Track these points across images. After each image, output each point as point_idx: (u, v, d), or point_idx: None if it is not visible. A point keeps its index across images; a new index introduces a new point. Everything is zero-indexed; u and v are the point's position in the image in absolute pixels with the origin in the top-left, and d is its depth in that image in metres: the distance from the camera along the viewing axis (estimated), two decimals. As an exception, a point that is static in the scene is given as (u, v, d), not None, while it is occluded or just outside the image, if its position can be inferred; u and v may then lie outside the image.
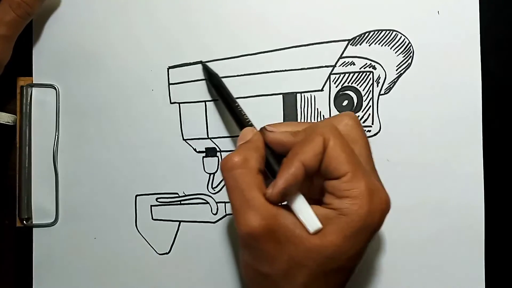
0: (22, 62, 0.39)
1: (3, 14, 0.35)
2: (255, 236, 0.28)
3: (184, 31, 0.38)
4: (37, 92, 0.39)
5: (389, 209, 0.29)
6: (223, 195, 0.38)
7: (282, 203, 0.30)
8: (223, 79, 0.38)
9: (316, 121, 0.38)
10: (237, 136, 0.38)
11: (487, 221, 0.37)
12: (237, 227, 0.29)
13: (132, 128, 0.39)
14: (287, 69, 0.38)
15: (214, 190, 0.38)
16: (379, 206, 0.29)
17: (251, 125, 0.34)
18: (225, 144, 0.38)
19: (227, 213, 0.38)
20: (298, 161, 0.29)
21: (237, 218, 0.29)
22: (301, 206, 0.29)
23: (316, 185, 0.31)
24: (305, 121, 0.38)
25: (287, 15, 0.38)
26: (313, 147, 0.29)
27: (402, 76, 0.38)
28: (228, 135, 0.38)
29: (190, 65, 0.38)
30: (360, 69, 0.38)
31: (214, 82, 0.37)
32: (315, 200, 0.30)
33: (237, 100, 0.38)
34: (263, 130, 0.32)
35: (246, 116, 0.34)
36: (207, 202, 0.38)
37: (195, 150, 0.38)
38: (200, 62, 0.38)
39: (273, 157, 0.31)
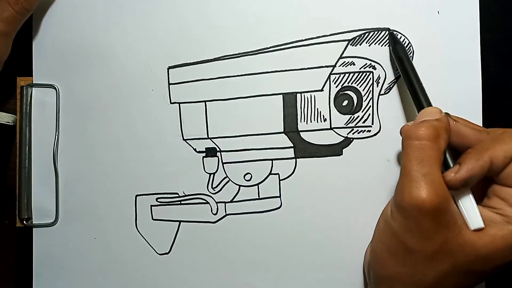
0: (22, 62, 0.39)
1: (1, 10, 0.35)
2: (423, 210, 0.28)
3: (184, 31, 0.38)
4: (37, 92, 0.39)
5: None
6: (223, 195, 0.38)
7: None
8: (223, 79, 0.38)
9: (316, 121, 0.38)
10: (238, 136, 0.38)
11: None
12: (405, 195, 0.28)
13: (132, 128, 0.39)
14: (287, 69, 0.38)
15: (214, 190, 0.38)
16: None
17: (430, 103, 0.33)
18: (225, 144, 0.38)
19: (227, 213, 0.38)
20: (488, 157, 0.29)
21: (409, 187, 0.28)
22: (469, 202, 0.29)
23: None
24: (305, 121, 0.38)
25: (287, 15, 0.38)
26: (505, 149, 0.29)
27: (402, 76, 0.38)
28: (228, 135, 0.38)
29: (190, 65, 0.38)
30: (360, 69, 0.38)
31: (399, 54, 0.36)
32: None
33: (237, 100, 0.38)
34: (448, 116, 0.31)
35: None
36: (207, 202, 0.38)
37: (195, 150, 0.38)
38: (388, 29, 0.37)
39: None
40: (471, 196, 0.29)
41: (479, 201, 0.31)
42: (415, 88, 0.34)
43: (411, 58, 0.37)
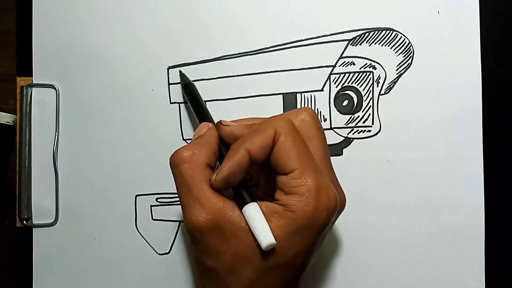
0: (22, 62, 0.39)
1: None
2: (201, 231, 0.28)
3: (184, 31, 0.38)
4: (37, 92, 0.39)
5: (336, 208, 0.29)
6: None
7: (229, 196, 0.29)
8: (223, 79, 0.38)
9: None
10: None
11: (487, 220, 0.37)
12: (184, 221, 0.29)
13: (132, 128, 0.39)
14: (287, 69, 0.38)
15: (214, 190, 0.38)
16: (326, 204, 0.28)
17: (210, 120, 0.33)
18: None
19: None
20: (244, 149, 0.28)
21: (184, 212, 0.29)
22: (256, 217, 0.28)
23: (265, 180, 0.31)
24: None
25: (287, 15, 0.38)
26: (261, 138, 0.29)
27: (402, 76, 0.38)
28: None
29: (190, 65, 0.38)
30: (360, 69, 0.38)
31: (189, 91, 0.37)
32: (273, 196, 0.30)
33: (237, 100, 0.38)
34: (218, 124, 0.32)
35: (209, 113, 0.34)
36: (207, 202, 0.38)
37: (195, 150, 0.38)
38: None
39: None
40: (257, 211, 0.28)
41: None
42: (197, 108, 0.35)
43: (410, 58, 0.37)
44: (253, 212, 0.28)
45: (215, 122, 0.33)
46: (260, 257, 0.28)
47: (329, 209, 0.28)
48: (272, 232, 0.27)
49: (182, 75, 0.38)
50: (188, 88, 0.37)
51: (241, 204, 0.28)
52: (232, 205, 0.29)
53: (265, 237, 0.27)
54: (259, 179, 0.34)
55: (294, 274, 0.30)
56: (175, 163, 0.29)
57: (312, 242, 0.29)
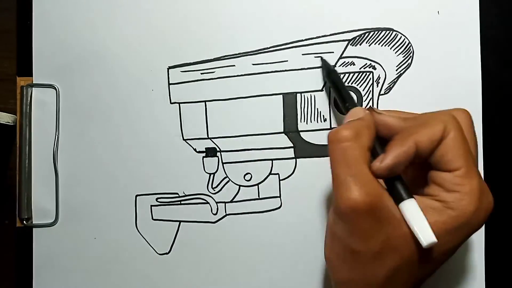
0: (22, 62, 0.39)
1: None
2: (358, 211, 0.27)
3: (184, 31, 0.38)
4: (37, 92, 0.39)
5: (492, 211, 0.29)
6: (223, 195, 0.38)
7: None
8: (223, 79, 0.38)
9: (316, 121, 0.38)
10: (238, 136, 0.38)
11: (487, 221, 0.37)
12: (338, 199, 0.28)
13: (132, 128, 0.39)
14: (287, 69, 0.38)
15: (214, 190, 0.38)
16: (486, 206, 0.28)
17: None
18: (225, 144, 0.38)
19: (227, 213, 0.38)
20: (413, 141, 0.28)
21: (340, 190, 0.28)
22: (415, 214, 0.28)
23: (407, 175, 0.31)
24: (305, 121, 0.38)
25: (287, 15, 0.38)
26: (431, 132, 0.28)
27: (402, 76, 0.38)
28: (228, 135, 0.38)
29: (190, 65, 0.38)
30: (360, 69, 0.38)
31: (331, 77, 0.36)
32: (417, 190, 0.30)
33: (237, 100, 0.38)
34: (371, 110, 0.31)
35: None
36: (207, 202, 0.38)
37: (195, 150, 0.38)
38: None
39: (376, 140, 0.30)
40: (416, 208, 0.28)
41: (422, 189, 0.30)
42: (342, 94, 0.35)
43: (410, 58, 0.38)
44: (413, 209, 0.28)
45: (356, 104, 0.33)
46: (411, 249, 0.28)
47: (487, 212, 0.29)
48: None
49: (324, 61, 0.37)
50: (332, 75, 0.36)
51: (396, 196, 0.28)
52: (387, 193, 0.28)
53: (427, 235, 0.27)
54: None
55: (433, 270, 0.30)
56: (338, 139, 0.29)
57: (462, 242, 0.29)
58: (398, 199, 0.28)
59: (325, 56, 0.38)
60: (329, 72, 0.37)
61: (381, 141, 0.30)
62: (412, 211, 0.28)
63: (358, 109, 0.32)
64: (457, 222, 0.28)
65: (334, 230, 0.30)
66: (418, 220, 0.27)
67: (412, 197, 0.28)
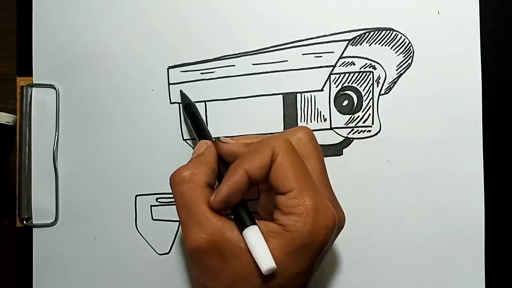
0: (22, 62, 0.39)
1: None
2: (200, 251, 0.28)
3: (184, 31, 0.38)
4: (37, 92, 0.39)
5: (335, 227, 0.29)
6: (223, 195, 0.38)
7: (229, 216, 0.29)
8: (223, 79, 0.38)
9: (316, 121, 0.38)
10: (238, 136, 0.38)
11: (487, 221, 0.37)
12: (184, 241, 0.29)
13: (132, 128, 0.39)
14: (287, 69, 0.38)
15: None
16: (324, 224, 0.28)
17: (210, 139, 0.33)
18: (225, 144, 0.38)
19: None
20: (242, 170, 0.28)
21: (183, 232, 0.28)
22: (256, 241, 0.27)
23: (265, 199, 0.31)
24: (305, 121, 0.38)
25: (286, 15, 0.38)
26: (260, 158, 0.29)
27: (402, 76, 0.38)
28: (228, 135, 0.38)
29: (190, 65, 0.38)
30: (360, 69, 0.38)
31: (189, 111, 0.37)
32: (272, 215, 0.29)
33: (237, 100, 0.38)
34: (217, 141, 0.32)
35: (208, 132, 0.34)
36: (207, 202, 0.38)
37: (195, 150, 0.38)
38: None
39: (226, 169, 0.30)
40: (257, 234, 0.28)
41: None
42: (197, 127, 0.35)
43: (410, 58, 0.38)
44: (253, 236, 0.28)
45: (207, 135, 0.33)
46: (260, 278, 0.28)
47: (327, 229, 0.28)
48: (271, 252, 0.27)
49: (182, 94, 0.38)
50: (188, 108, 0.37)
51: (240, 224, 0.28)
52: (231, 225, 0.28)
53: (266, 261, 0.27)
54: (260, 197, 0.34)
55: None
56: (175, 182, 0.29)
57: (310, 262, 0.28)
58: (241, 227, 0.28)
59: (325, 56, 0.38)
60: (185, 105, 0.37)
61: None
62: (254, 238, 0.28)
63: (201, 144, 0.32)
64: (296, 243, 0.27)
65: (192, 271, 0.30)
66: (258, 246, 0.27)
67: (255, 223, 0.28)
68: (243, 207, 0.29)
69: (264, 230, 0.28)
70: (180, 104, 0.38)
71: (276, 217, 0.29)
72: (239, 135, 0.38)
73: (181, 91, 0.38)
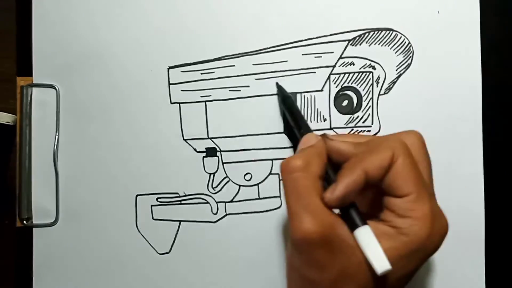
0: (22, 62, 0.39)
1: None
2: (310, 242, 0.27)
3: (184, 31, 0.38)
4: (37, 92, 0.39)
5: (446, 234, 0.29)
6: (223, 195, 0.38)
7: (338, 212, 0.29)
8: (223, 79, 0.38)
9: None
10: (238, 136, 0.38)
11: (487, 221, 0.37)
12: (292, 230, 0.28)
13: (133, 128, 0.39)
14: (287, 69, 0.38)
15: (214, 190, 0.38)
16: (440, 231, 0.28)
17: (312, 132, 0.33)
18: (225, 144, 0.38)
19: (227, 213, 0.38)
20: (361, 169, 0.28)
21: (293, 221, 0.28)
22: (369, 241, 0.27)
23: (367, 199, 0.31)
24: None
25: (286, 15, 0.38)
26: (379, 159, 0.28)
27: (402, 76, 0.38)
28: (228, 135, 0.38)
29: (190, 65, 0.38)
30: (360, 69, 0.38)
31: (286, 104, 0.36)
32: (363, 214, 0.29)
33: (237, 100, 0.38)
34: (323, 137, 0.31)
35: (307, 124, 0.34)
36: (207, 202, 0.38)
37: (195, 150, 0.38)
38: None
39: (329, 166, 0.30)
40: (370, 234, 0.28)
41: (378, 214, 0.30)
42: (297, 120, 0.35)
43: (410, 58, 0.38)
44: (366, 236, 0.28)
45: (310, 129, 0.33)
46: (366, 277, 0.28)
47: (441, 236, 0.29)
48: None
49: (279, 87, 0.37)
50: (287, 102, 0.36)
51: (350, 223, 0.28)
52: (340, 220, 0.28)
53: (381, 262, 0.27)
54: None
55: None
56: (288, 170, 0.29)
57: (417, 267, 0.29)
58: (352, 227, 0.28)
59: (325, 56, 0.38)
60: (284, 98, 0.37)
61: (335, 167, 0.30)
62: (366, 238, 0.27)
63: (310, 136, 0.32)
64: (411, 247, 0.28)
65: (291, 261, 0.30)
66: (372, 247, 0.27)
67: (366, 223, 0.28)
68: (354, 206, 0.29)
69: (375, 232, 0.28)
70: (277, 97, 0.38)
71: (387, 218, 0.29)
72: (239, 135, 0.38)
73: (277, 83, 0.38)
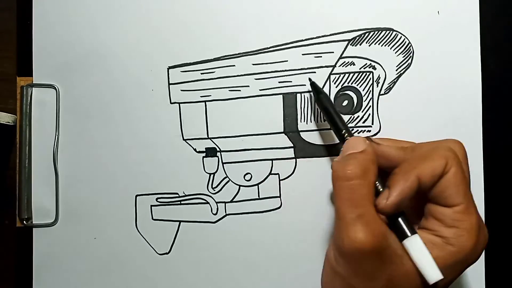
0: (22, 62, 0.39)
1: None
2: (363, 252, 0.27)
3: (184, 31, 0.38)
4: (37, 92, 0.39)
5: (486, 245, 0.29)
6: (223, 195, 0.38)
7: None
8: (223, 79, 0.38)
9: (316, 121, 0.38)
10: (238, 136, 0.38)
11: (487, 221, 0.37)
12: (343, 240, 0.27)
13: (132, 128, 0.39)
14: (287, 69, 0.38)
15: (214, 190, 0.38)
16: (483, 241, 0.29)
17: (352, 135, 0.33)
18: (225, 144, 0.38)
19: (227, 213, 0.38)
20: (415, 176, 0.28)
21: (346, 230, 0.27)
22: (420, 251, 0.28)
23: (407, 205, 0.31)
24: (305, 121, 0.38)
25: (287, 15, 0.38)
26: (433, 166, 0.28)
27: (402, 76, 0.38)
28: (228, 135, 0.38)
29: (190, 65, 0.38)
30: (360, 69, 0.38)
31: (323, 103, 0.35)
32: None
33: (237, 100, 0.38)
34: (370, 141, 0.31)
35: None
36: (207, 202, 0.38)
37: (195, 150, 0.38)
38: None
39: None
40: (421, 245, 0.28)
41: (417, 221, 0.30)
42: (334, 120, 0.34)
43: (410, 58, 0.38)
44: (418, 246, 0.28)
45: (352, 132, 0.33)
46: (412, 285, 0.28)
47: (483, 247, 0.29)
48: None
49: (313, 83, 0.36)
50: (322, 99, 0.35)
51: (400, 232, 0.28)
52: (389, 229, 0.28)
53: (433, 272, 0.27)
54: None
55: None
56: (345, 177, 0.28)
57: (457, 276, 0.29)
58: (402, 236, 0.28)
59: (325, 56, 0.38)
60: (319, 95, 0.36)
61: (379, 172, 0.30)
62: (417, 248, 0.28)
63: (357, 140, 0.31)
64: (456, 257, 0.28)
65: (335, 267, 0.29)
66: (423, 257, 0.27)
67: (416, 233, 0.28)
68: (403, 214, 0.29)
69: (423, 241, 0.28)
70: (311, 94, 0.37)
71: (433, 227, 0.29)
72: (239, 135, 0.38)
73: (309, 79, 0.37)
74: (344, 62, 0.38)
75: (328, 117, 0.35)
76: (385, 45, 0.38)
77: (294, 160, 0.38)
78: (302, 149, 0.38)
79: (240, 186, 0.38)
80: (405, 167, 0.29)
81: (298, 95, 0.38)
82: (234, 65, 0.38)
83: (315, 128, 0.38)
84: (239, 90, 0.38)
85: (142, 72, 0.39)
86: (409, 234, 0.28)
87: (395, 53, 0.38)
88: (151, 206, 0.39)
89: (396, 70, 0.38)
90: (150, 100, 0.39)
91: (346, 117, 0.38)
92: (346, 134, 0.33)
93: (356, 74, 0.38)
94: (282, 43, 0.38)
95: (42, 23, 0.39)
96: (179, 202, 0.39)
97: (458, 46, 0.37)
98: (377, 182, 0.29)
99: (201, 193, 0.38)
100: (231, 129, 0.38)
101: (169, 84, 0.39)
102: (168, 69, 0.39)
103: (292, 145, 0.38)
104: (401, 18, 0.38)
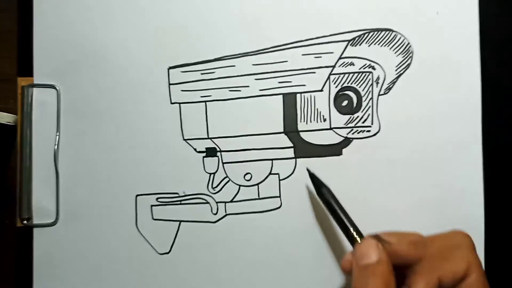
0: (22, 62, 0.39)
1: None
2: None
3: (184, 31, 0.39)
4: (38, 92, 0.39)
5: None
6: (223, 195, 0.38)
7: None
8: (223, 79, 0.38)
9: (316, 121, 0.38)
10: (237, 136, 0.38)
11: (487, 221, 0.37)
12: None
13: (133, 128, 0.39)
14: (287, 69, 0.38)
15: (214, 190, 0.38)
16: None
17: (359, 232, 0.32)
18: (225, 144, 0.38)
19: (227, 213, 0.38)
20: (437, 278, 0.28)
21: None
22: None
23: None
24: (305, 121, 0.38)
25: (287, 15, 0.38)
26: (454, 270, 0.29)
27: (401, 76, 0.38)
28: (228, 135, 0.38)
29: (190, 65, 0.38)
30: (359, 69, 0.38)
31: (325, 197, 0.35)
32: None
33: (237, 100, 0.38)
34: (380, 242, 0.30)
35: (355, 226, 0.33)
36: (207, 202, 0.38)
37: (195, 150, 0.38)
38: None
39: None
40: None
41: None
42: (340, 218, 0.33)
43: (410, 58, 0.38)
44: None
45: (365, 236, 0.32)
46: None
47: None
48: None
49: (312, 175, 0.36)
50: (323, 192, 0.35)
51: None
52: None
53: None
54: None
55: None
56: (377, 261, 0.29)
57: None
58: None
59: (325, 56, 0.38)
60: (318, 189, 0.35)
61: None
62: None
63: (370, 247, 0.30)
64: None
65: None
66: None
67: None
68: None
69: None
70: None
71: None
72: (239, 135, 0.38)
73: (308, 170, 0.36)
74: (344, 62, 0.38)
75: (331, 212, 0.34)
76: (384, 46, 0.38)
77: (294, 160, 0.38)
78: (302, 149, 0.38)
79: (240, 186, 0.38)
80: (427, 267, 0.29)
81: (298, 95, 0.38)
82: (234, 65, 0.38)
83: (315, 128, 0.38)
84: (239, 90, 0.38)
85: (142, 73, 0.39)
86: None
87: (395, 53, 0.38)
88: (152, 206, 0.39)
89: (396, 71, 0.38)
90: (150, 100, 0.39)
91: (346, 117, 0.38)
92: (357, 237, 0.32)
93: (356, 75, 0.38)
94: (282, 43, 0.38)
95: (42, 23, 0.39)
96: (179, 202, 0.39)
97: (458, 46, 0.37)
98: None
99: (201, 193, 0.38)
100: (231, 129, 0.38)
101: (169, 84, 0.39)
102: (168, 69, 0.39)
103: (292, 145, 0.38)
104: (401, 18, 0.38)
